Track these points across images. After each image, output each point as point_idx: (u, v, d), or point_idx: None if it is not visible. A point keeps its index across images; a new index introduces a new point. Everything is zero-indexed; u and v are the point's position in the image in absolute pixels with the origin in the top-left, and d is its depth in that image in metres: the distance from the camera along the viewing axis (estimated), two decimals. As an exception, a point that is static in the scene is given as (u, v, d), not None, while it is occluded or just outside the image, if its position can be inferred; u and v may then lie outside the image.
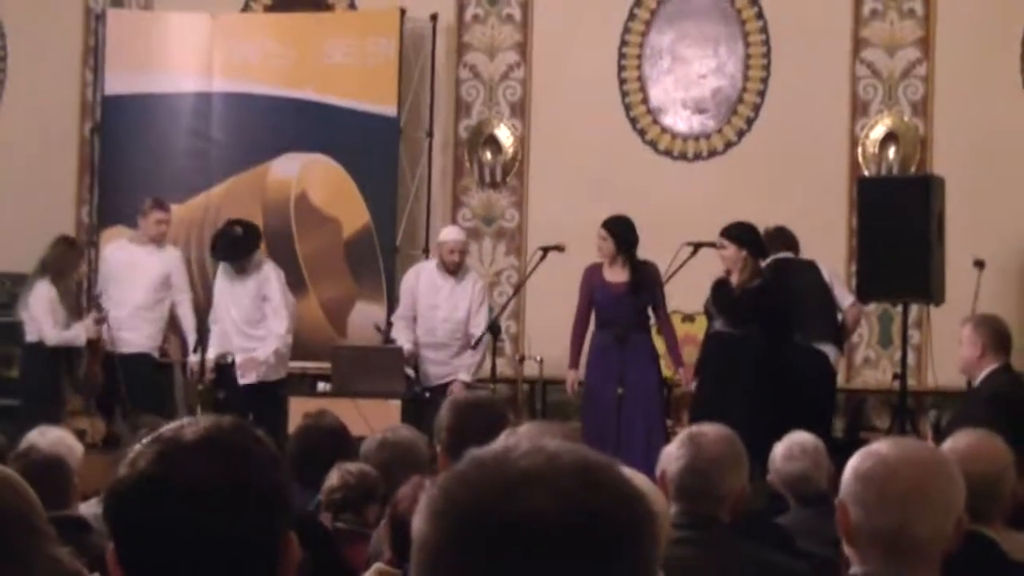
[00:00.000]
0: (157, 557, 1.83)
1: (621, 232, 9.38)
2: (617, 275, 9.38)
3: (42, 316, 10.07)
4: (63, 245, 10.47)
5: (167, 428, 1.91)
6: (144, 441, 1.89)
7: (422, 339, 10.03)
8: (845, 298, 9.64)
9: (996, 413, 7.12)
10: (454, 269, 10.11)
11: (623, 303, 9.28)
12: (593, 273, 9.49)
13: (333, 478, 5.38)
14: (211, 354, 10.11)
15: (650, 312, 9.41)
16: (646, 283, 9.27)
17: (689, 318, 10.47)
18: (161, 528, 1.83)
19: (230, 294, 10.14)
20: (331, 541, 5.00)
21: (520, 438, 1.51)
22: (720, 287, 9.21)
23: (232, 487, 1.85)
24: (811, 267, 9.56)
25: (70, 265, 10.41)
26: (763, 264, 9.25)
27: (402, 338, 10.03)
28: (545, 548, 1.38)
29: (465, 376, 10.01)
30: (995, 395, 7.36)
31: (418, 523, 1.45)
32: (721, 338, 9.16)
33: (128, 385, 10.24)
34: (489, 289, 11.48)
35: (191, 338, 10.43)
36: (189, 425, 1.90)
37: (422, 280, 10.21)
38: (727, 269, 9.19)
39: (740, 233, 9.15)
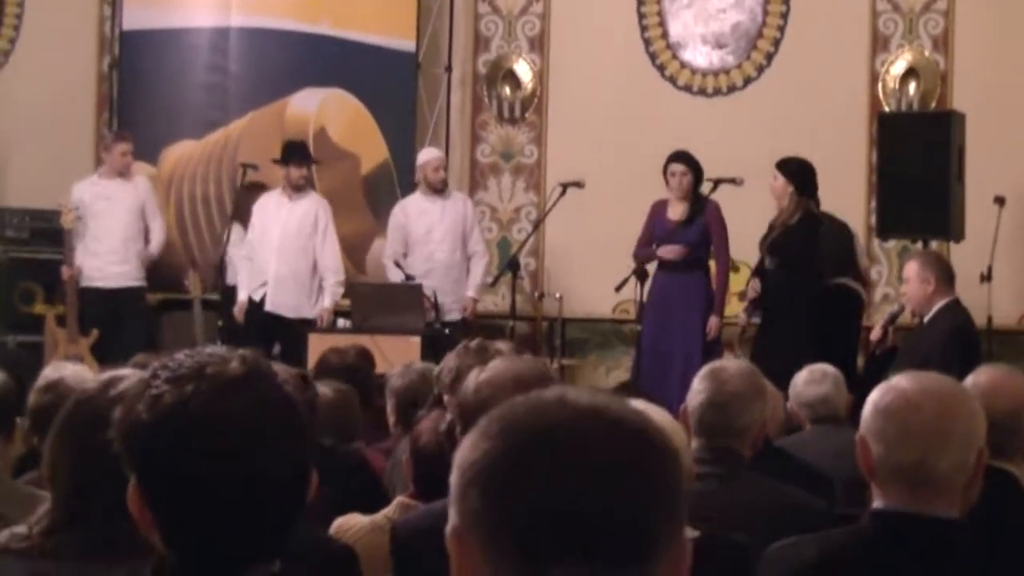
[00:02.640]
0: (195, 495, 1.82)
1: (698, 167, 9.28)
2: (677, 211, 9.32)
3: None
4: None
5: (190, 363, 1.87)
6: (161, 377, 1.85)
7: (422, 270, 9.99)
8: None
9: (959, 345, 7.22)
10: (441, 187, 10.15)
11: (675, 240, 9.21)
12: (657, 208, 9.42)
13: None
14: (243, 295, 10.17)
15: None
16: (699, 220, 9.19)
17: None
18: (199, 466, 1.81)
19: (278, 217, 10.15)
20: (377, 479, 5.00)
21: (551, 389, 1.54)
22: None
23: (272, 423, 1.85)
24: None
25: None
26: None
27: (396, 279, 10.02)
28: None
29: (472, 293, 10.15)
30: (959, 328, 7.46)
31: (472, 447, 1.47)
32: (768, 276, 8.99)
33: (125, 318, 10.34)
34: (508, 226, 11.50)
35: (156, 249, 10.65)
36: (213, 361, 1.87)
37: (410, 212, 10.25)
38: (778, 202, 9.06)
39: (793, 167, 8.99)
